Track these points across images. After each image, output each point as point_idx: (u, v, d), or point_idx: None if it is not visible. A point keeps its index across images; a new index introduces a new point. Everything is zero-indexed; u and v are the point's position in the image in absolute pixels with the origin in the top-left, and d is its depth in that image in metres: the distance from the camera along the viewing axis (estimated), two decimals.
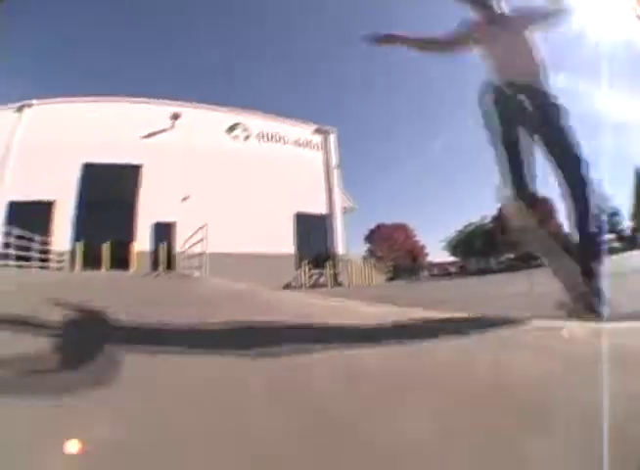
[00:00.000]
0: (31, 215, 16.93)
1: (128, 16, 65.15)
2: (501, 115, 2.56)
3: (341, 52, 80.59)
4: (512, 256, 49.18)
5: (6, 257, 12.02)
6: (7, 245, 12.31)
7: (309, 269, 19.50)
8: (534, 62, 2.64)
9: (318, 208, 21.44)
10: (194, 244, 11.22)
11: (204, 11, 69.53)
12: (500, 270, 41.60)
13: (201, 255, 10.20)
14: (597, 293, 2.17)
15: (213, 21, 74.34)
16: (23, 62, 63.54)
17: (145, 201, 18.60)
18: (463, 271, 52.17)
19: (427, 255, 64.86)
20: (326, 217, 21.54)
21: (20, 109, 19.83)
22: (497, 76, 2.69)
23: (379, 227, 55.96)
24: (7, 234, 12.69)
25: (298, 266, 19.54)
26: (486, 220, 51.79)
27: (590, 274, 2.22)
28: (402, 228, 57.56)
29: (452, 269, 59.95)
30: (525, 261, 43.73)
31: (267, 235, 18.50)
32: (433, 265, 67.27)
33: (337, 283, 20.07)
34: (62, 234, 17.72)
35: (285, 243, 19.71)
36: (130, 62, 77.51)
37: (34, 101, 20.02)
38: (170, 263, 17.43)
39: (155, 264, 17.62)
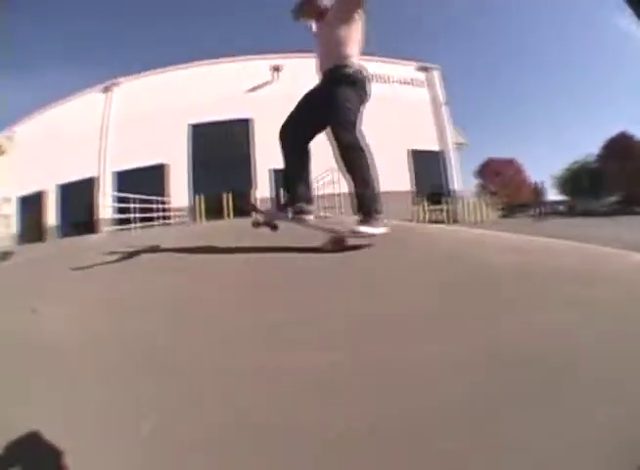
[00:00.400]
0: (147, 180, 18.35)
1: None
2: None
3: None
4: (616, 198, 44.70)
5: (126, 221, 11.90)
6: (125, 210, 11.91)
7: (427, 205, 18.60)
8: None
9: (431, 144, 20.42)
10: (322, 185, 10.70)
11: None
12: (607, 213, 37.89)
13: (333, 196, 9.86)
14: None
15: None
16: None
17: (260, 150, 18.90)
18: (572, 211, 48.36)
19: (540, 192, 59.86)
20: (439, 154, 20.43)
21: (106, 89, 21.53)
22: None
23: (489, 162, 51.42)
24: (121, 200, 12.50)
25: (416, 203, 18.72)
26: (591, 159, 47.21)
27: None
28: (512, 163, 53.43)
29: (561, 208, 55.79)
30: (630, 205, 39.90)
31: (383, 173, 17.96)
32: (541, 203, 62.69)
33: (454, 220, 19.08)
34: (180, 194, 18.62)
35: (401, 180, 19.04)
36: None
37: (121, 79, 21.53)
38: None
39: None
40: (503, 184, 48.79)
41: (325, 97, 2.78)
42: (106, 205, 16.49)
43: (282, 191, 3.91)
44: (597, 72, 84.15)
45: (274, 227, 3.16)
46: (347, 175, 2.74)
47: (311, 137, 3.09)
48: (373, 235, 2.58)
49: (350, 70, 2.75)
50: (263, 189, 18.48)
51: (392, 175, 17.83)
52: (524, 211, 50.09)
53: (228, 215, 17.06)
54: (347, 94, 2.71)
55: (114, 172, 20.05)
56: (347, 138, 2.66)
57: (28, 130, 24.57)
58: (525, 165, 54.08)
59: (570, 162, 51.59)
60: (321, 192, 10.00)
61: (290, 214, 3.03)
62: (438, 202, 19.64)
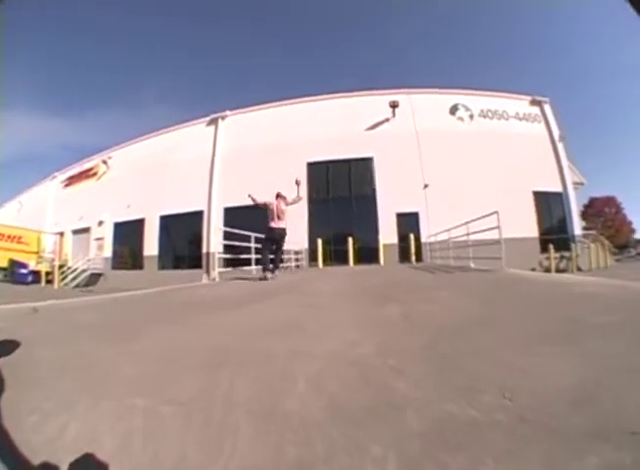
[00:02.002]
0: (256, 218, 17.25)
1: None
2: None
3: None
4: None
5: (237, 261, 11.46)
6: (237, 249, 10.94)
7: (554, 252, 17.18)
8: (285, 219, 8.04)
9: (552, 185, 19.11)
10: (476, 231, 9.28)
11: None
12: None
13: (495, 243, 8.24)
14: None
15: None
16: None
17: (382, 192, 17.99)
18: None
19: (634, 230, 56.63)
20: (561, 195, 19.00)
21: (212, 122, 21.58)
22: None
23: (593, 201, 48.12)
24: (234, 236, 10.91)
25: (544, 249, 17.39)
26: None
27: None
28: (613, 201, 50.19)
29: None
30: None
31: (510, 216, 16.83)
32: (638, 242, 59.78)
33: (578, 268, 17.61)
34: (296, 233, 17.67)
35: (528, 225, 17.78)
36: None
37: (227, 112, 21.39)
38: (419, 254, 16.45)
39: (402, 256, 16.86)
40: (605, 225, 46.15)
41: (280, 238, 8.00)
42: (217, 240, 15.92)
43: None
44: None
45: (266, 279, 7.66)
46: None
47: (275, 247, 8.03)
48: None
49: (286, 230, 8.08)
50: (388, 234, 17.26)
51: (517, 220, 16.57)
52: (623, 252, 47.67)
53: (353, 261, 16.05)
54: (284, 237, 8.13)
55: (225, 208, 19.22)
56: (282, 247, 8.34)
57: (125, 157, 24.35)
58: (624, 203, 51.18)
59: None
60: None
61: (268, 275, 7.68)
62: (564, 248, 18.08)
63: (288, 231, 8.10)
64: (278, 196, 8.12)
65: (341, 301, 4.14)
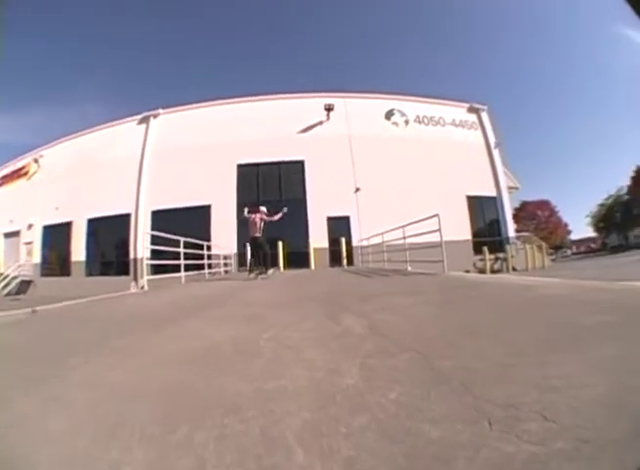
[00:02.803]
0: (187, 222, 16.48)
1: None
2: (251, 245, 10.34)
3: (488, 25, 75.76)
4: None
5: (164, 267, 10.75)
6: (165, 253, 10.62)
7: (488, 254, 16.97)
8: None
9: (486, 189, 19.10)
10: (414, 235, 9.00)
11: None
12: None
13: (435, 246, 7.78)
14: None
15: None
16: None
17: (313, 195, 17.27)
18: (604, 247, 47.62)
19: (570, 232, 58.81)
20: (495, 199, 18.85)
21: (143, 120, 20.11)
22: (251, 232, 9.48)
23: (524, 205, 49.61)
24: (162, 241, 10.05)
25: (477, 251, 17.19)
26: (622, 191, 46.21)
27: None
28: (546, 204, 52.12)
29: (594, 246, 55.17)
30: None
31: (446, 221, 16.47)
32: (573, 243, 62.08)
33: (513, 268, 17.53)
34: (226, 237, 16.49)
35: (462, 228, 17.54)
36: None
37: (160, 110, 19.98)
38: (351, 258, 15.76)
39: (333, 260, 16.10)
40: (539, 227, 47.52)
41: (259, 244, 9.50)
42: (144, 245, 14.81)
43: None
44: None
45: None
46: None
47: (258, 250, 9.61)
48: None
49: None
50: (318, 238, 16.46)
51: (453, 224, 16.16)
52: (559, 252, 49.78)
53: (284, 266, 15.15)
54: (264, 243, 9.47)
55: (152, 211, 17.92)
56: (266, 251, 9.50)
57: (56, 156, 22.53)
58: (559, 206, 53.13)
59: (603, 197, 50.53)
60: None
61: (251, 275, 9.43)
62: (498, 250, 17.92)
63: (263, 238, 9.45)
64: (257, 210, 9.55)
65: (290, 313, 3.75)
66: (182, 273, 10.03)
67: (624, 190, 45.72)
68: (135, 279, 17.38)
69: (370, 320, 2.96)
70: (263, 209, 9.69)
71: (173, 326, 3.33)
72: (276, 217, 9.71)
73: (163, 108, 20.03)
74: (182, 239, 10.02)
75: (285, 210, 9.78)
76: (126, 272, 18.35)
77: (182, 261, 10.01)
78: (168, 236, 9.35)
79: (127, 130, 20.30)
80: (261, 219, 9.40)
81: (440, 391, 1.52)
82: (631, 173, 43.25)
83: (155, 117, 19.83)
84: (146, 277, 9.14)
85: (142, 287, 9.26)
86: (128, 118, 20.76)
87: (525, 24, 72.41)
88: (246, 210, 9.61)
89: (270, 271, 9.63)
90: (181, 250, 9.94)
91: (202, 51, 74.99)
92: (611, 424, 1.19)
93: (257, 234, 9.36)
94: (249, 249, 9.78)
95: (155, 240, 9.80)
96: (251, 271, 9.51)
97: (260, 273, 9.30)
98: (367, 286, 6.27)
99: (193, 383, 1.81)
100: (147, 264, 11.61)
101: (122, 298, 6.60)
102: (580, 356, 1.80)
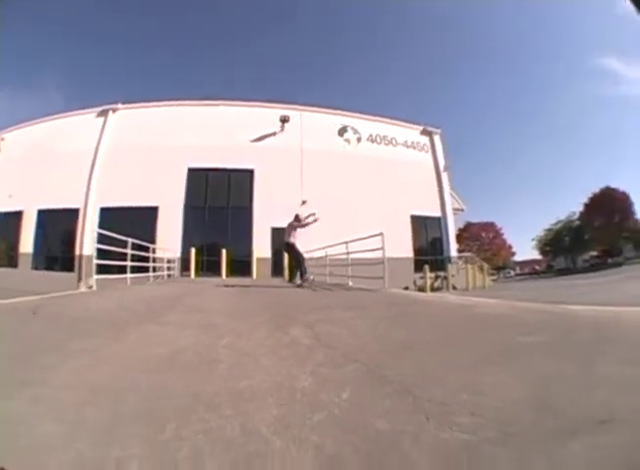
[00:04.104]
0: (134, 221, 15.87)
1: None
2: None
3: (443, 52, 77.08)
4: (595, 253, 45.46)
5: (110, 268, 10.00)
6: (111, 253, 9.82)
7: (429, 272, 17.10)
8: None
9: (431, 210, 19.40)
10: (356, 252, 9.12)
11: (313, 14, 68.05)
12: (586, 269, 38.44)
13: (378, 263, 7.90)
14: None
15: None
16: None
17: (260, 205, 17.06)
18: (549, 270, 48.88)
19: (514, 254, 60.42)
20: (440, 220, 19.17)
21: (102, 113, 19.11)
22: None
23: (468, 226, 50.53)
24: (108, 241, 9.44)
25: (418, 269, 17.38)
26: (574, 217, 47.48)
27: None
28: (491, 226, 53.38)
29: (538, 268, 56.54)
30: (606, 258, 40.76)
31: (388, 239, 16.52)
32: (517, 264, 63.65)
33: (453, 287, 17.73)
34: (171, 240, 16.04)
35: (404, 246, 17.47)
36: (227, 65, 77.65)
37: (120, 105, 19.12)
38: (292, 270, 15.53)
39: (275, 271, 15.90)
40: (482, 248, 48.73)
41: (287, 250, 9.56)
42: (92, 242, 14.24)
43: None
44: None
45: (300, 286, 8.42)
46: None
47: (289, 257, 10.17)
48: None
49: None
50: (262, 248, 16.27)
51: (396, 242, 16.19)
52: (501, 273, 51.16)
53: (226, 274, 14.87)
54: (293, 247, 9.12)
55: (101, 208, 17.24)
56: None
57: (16, 140, 21.26)
58: (504, 228, 54.61)
59: (551, 222, 52.15)
60: None
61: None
62: (439, 269, 18.12)
63: (295, 246, 9.17)
64: (296, 217, 9.54)
65: (240, 322, 3.85)
66: (128, 275, 9.63)
67: (576, 216, 47.32)
68: (80, 277, 16.71)
69: (315, 331, 3.14)
70: (299, 214, 9.67)
71: (135, 331, 3.33)
72: (309, 220, 9.39)
73: (123, 103, 19.25)
74: (130, 240, 9.73)
75: (315, 214, 9.52)
76: (71, 268, 17.60)
77: (129, 263, 9.72)
78: (117, 236, 8.97)
79: (85, 122, 19.26)
80: (290, 225, 9.33)
81: (385, 392, 1.77)
82: (585, 201, 44.82)
83: (114, 111, 18.94)
84: (95, 277, 8.69)
85: (90, 286, 8.87)
86: (88, 110, 19.69)
87: (481, 51, 74.16)
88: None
89: (310, 277, 9.28)
90: (129, 251, 9.65)
91: (168, 48, 73.11)
92: (531, 420, 1.43)
93: (286, 239, 9.28)
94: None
95: (101, 238, 9.13)
96: (290, 280, 9.50)
97: (303, 282, 8.72)
98: (310, 299, 6.34)
99: (171, 385, 1.93)
100: (96, 264, 11.15)
101: (75, 297, 6.34)
102: (510, 369, 2.04)
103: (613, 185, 43.31)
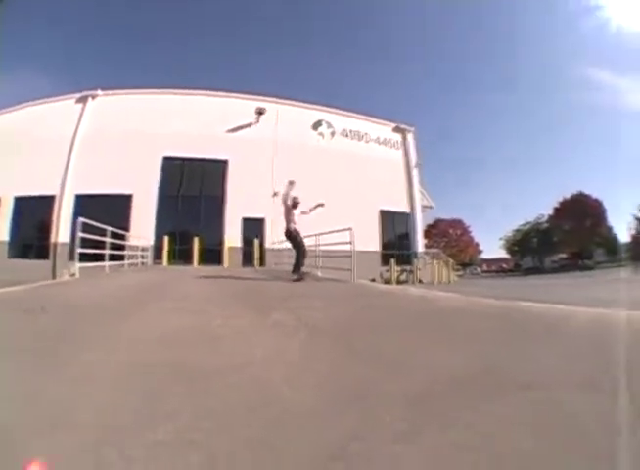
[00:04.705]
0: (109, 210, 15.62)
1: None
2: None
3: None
4: (564, 255, 46.41)
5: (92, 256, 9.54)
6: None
7: (395, 266, 17.49)
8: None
9: (401, 206, 19.95)
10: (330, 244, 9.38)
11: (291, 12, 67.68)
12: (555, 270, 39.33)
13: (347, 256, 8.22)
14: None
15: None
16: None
17: (232, 195, 17.32)
18: (517, 269, 49.77)
19: (481, 251, 61.47)
20: (408, 216, 19.75)
21: (82, 99, 18.84)
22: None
23: (437, 223, 51.46)
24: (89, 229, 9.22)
25: (385, 262, 17.85)
26: (543, 220, 48.44)
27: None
28: (459, 224, 54.25)
29: (505, 267, 57.47)
30: (577, 261, 41.71)
31: (357, 232, 16.89)
32: (484, 262, 64.66)
33: (419, 281, 18.15)
34: (144, 228, 16.17)
35: (372, 240, 18.02)
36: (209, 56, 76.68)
37: (99, 91, 18.94)
38: (263, 259, 15.84)
39: (245, 260, 16.13)
40: (449, 244, 49.39)
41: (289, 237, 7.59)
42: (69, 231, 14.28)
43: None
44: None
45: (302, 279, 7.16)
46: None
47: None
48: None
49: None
50: (233, 238, 16.46)
51: (364, 235, 16.55)
52: (467, 269, 52.12)
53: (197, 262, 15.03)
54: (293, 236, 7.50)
55: (77, 195, 17.20)
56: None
57: None
58: (473, 227, 55.47)
59: (520, 223, 53.11)
60: None
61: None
62: (405, 263, 18.57)
63: (293, 233, 7.56)
64: (298, 203, 7.98)
65: (225, 308, 4.10)
66: (107, 263, 9.64)
67: (545, 218, 48.52)
68: (55, 265, 16.68)
69: (296, 315, 3.47)
70: (296, 198, 7.97)
71: (136, 316, 3.47)
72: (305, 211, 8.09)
73: (103, 89, 19.06)
74: (109, 228, 9.75)
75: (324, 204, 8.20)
76: (46, 256, 17.55)
77: (107, 251, 9.70)
78: (97, 224, 8.99)
79: (65, 108, 19.01)
80: (287, 209, 7.73)
81: (361, 356, 2.23)
82: (555, 205, 45.83)
83: (93, 97, 18.74)
84: (77, 265, 8.61)
85: (73, 274, 8.75)
86: (68, 95, 19.40)
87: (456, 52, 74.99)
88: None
89: (305, 271, 7.66)
90: (107, 239, 9.66)
91: (151, 36, 71.86)
92: (468, 380, 1.76)
93: (286, 226, 7.72)
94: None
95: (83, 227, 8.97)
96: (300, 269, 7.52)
97: (297, 277, 7.25)
98: (285, 288, 6.40)
99: (184, 360, 2.15)
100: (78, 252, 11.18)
101: (62, 286, 6.34)
102: (457, 347, 2.42)
103: (586, 191, 44.42)
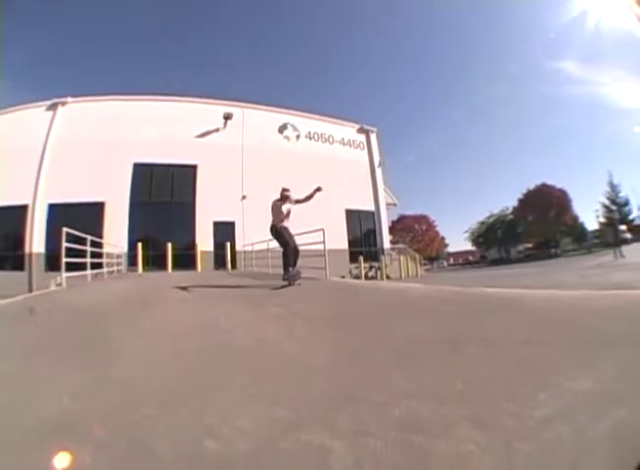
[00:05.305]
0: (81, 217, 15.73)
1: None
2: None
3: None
4: (530, 245, 47.78)
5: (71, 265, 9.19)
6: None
7: (363, 263, 18.22)
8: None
9: (365, 204, 20.73)
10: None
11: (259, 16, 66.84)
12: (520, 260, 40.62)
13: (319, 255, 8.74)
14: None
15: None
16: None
17: (202, 200, 17.75)
18: (483, 261, 51.11)
19: (447, 245, 62.91)
20: (373, 213, 20.48)
21: (52, 107, 18.73)
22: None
23: (401, 218, 52.25)
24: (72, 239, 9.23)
25: (353, 260, 18.60)
26: (507, 211, 49.96)
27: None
28: (424, 219, 55.38)
29: (472, 259, 58.88)
30: (542, 250, 43.20)
31: (326, 230, 17.54)
32: (450, 255, 66.13)
33: (387, 276, 18.92)
34: (117, 235, 16.46)
35: (339, 238, 18.60)
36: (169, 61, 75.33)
37: (69, 98, 18.84)
38: (234, 262, 16.29)
39: (217, 263, 16.57)
40: (415, 239, 50.41)
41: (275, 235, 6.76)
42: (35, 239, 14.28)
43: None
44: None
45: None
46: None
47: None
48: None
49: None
50: (204, 242, 16.92)
51: (332, 234, 17.14)
52: (434, 263, 53.46)
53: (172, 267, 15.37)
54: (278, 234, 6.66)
55: (49, 204, 17.21)
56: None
57: None
58: (438, 221, 56.55)
59: (485, 215, 54.41)
60: None
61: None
62: (373, 259, 19.35)
63: (280, 231, 6.60)
64: (288, 196, 6.89)
65: (222, 305, 4.60)
66: (88, 271, 9.75)
67: (509, 210, 49.91)
68: (30, 276, 16.69)
69: (289, 309, 3.98)
70: (286, 189, 7.01)
71: (144, 318, 3.78)
72: (300, 198, 7.02)
73: (73, 96, 18.98)
74: (89, 237, 9.81)
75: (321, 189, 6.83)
76: (20, 268, 17.50)
77: (88, 260, 9.72)
78: (78, 233, 9.10)
79: (34, 115, 18.78)
80: (274, 204, 6.84)
81: (353, 333, 2.81)
82: (520, 196, 47.20)
83: (63, 104, 18.65)
84: (64, 274, 8.51)
85: (59, 284, 8.89)
86: (38, 103, 19.15)
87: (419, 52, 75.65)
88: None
89: (293, 273, 6.54)
90: (88, 248, 9.71)
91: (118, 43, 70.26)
92: (438, 340, 2.36)
93: (272, 222, 6.83)
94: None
95: (56, 235, 8.91)
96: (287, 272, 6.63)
97: (287, 281, 6.42)
98: (264, 286, 6.55)
99: (214, 343, 2.69)
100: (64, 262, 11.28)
101: (55, 295, 6.42)
102: (427, 321, 3.05)
103: (551, 182, 45.47)
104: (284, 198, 6.79)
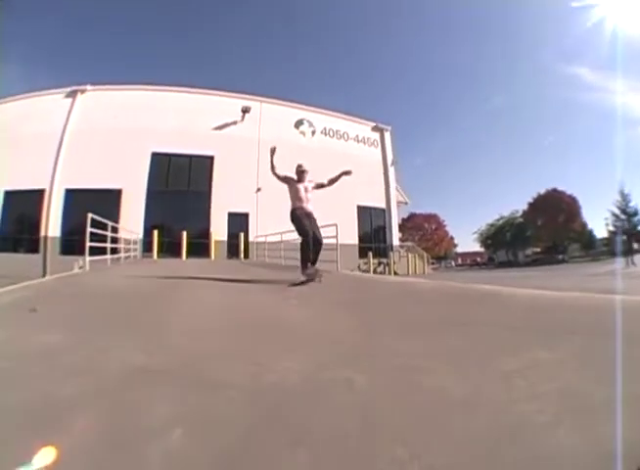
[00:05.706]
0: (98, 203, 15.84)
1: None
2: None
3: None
4: (538, 249, 47.61)
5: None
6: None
7: (372, 259, 18.36)
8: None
9: (377, 201, 20.84)
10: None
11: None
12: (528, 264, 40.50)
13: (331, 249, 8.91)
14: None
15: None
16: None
17: (218, 191, 17.97)
18: (490, 262, 51.02)
19: (456, 245, 62.91)
20: (384, 211, 20.65)
21: (71, 94, 18.86)
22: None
23: (412, 216, 52.31)
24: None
25: (362, 255, 18.78)
26: (517, 214, 49.93)
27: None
28: (434, 218, 55.39)
29: (479, 260, 58.82)
30: (550, 255, 43.10)
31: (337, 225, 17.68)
32: (458, 255, 66.11)
33: (395, 272, 19.00)
34: (133, 222, 16.57)
35: (350, 234, 18.77)
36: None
37: (88, 86, 18.94)
38: (247, 252, 16.44)
39: (231, 253, 16.72)
40: (424, 238, 50.37)
41: (315, 225, 6.01)
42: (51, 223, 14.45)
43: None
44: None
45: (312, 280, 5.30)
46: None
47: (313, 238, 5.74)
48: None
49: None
50: (219, 231, 17.11)
51: (343, 229, 17.28)
52: (442, 262, 53.45)
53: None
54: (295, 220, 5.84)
55: (66, 189, 17.38)
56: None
57: None
58: (448, 221, 56.67)
59: (494, 218, 54.41)
60: None
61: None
62: (382, 255, 19.46)
63: (293, 215, 5.80)
64: (303, 171, 6.16)
65: (241, 291, 4.92)
66: (108, 256, 9.83)
67: (519, 213, 50.00)
68: (44, 259, 16.87)
69: (308, 295, 4.46)
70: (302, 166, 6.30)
71: (176, 298, 4.09)
72: (324, 182, 6.61)
73: (92, 84, 19.10)
74: (110, 223, 9.90)
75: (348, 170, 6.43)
76: (36, 250, 17.71)
77: (109, 245, 9.83)
78: (100, 219, 9.11)
79: (53, 102, 18.99)
80: (305, 187, 6.12)
81: (364, 314, 3.27)
82: (530, 200, 47.09)
83: (82, 92, 18.79)
84: (87, 258, 8.60)
85: (81, 267, 8.89)
86: (57, 90, 19.34)
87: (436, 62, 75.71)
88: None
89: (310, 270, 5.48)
90: (109, 233, 9.78)
91: (140, 31, 70.75)
92: (429, 321, 2.76)
93: (311, 208, 6.04)
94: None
95: (72, 220, 8.91)
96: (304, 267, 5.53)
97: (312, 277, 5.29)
98: (282, 276, 6.56)
99: (251, 318, 3.12)
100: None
101: (85, 277, 6.50)
102: (424, 307, 3.51)
103: (562, 188, 45.40)
104: (298, 174, 6.08)
